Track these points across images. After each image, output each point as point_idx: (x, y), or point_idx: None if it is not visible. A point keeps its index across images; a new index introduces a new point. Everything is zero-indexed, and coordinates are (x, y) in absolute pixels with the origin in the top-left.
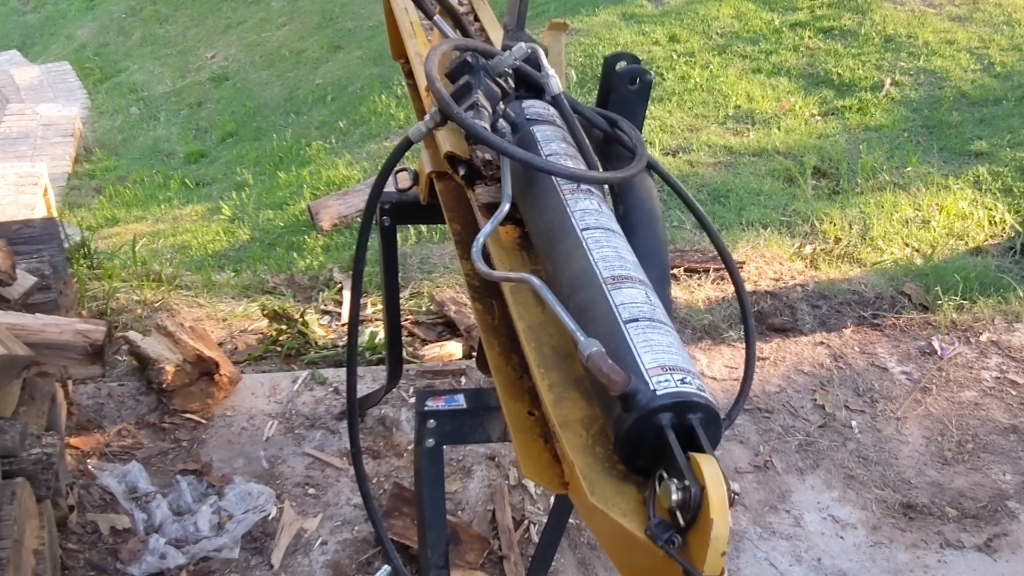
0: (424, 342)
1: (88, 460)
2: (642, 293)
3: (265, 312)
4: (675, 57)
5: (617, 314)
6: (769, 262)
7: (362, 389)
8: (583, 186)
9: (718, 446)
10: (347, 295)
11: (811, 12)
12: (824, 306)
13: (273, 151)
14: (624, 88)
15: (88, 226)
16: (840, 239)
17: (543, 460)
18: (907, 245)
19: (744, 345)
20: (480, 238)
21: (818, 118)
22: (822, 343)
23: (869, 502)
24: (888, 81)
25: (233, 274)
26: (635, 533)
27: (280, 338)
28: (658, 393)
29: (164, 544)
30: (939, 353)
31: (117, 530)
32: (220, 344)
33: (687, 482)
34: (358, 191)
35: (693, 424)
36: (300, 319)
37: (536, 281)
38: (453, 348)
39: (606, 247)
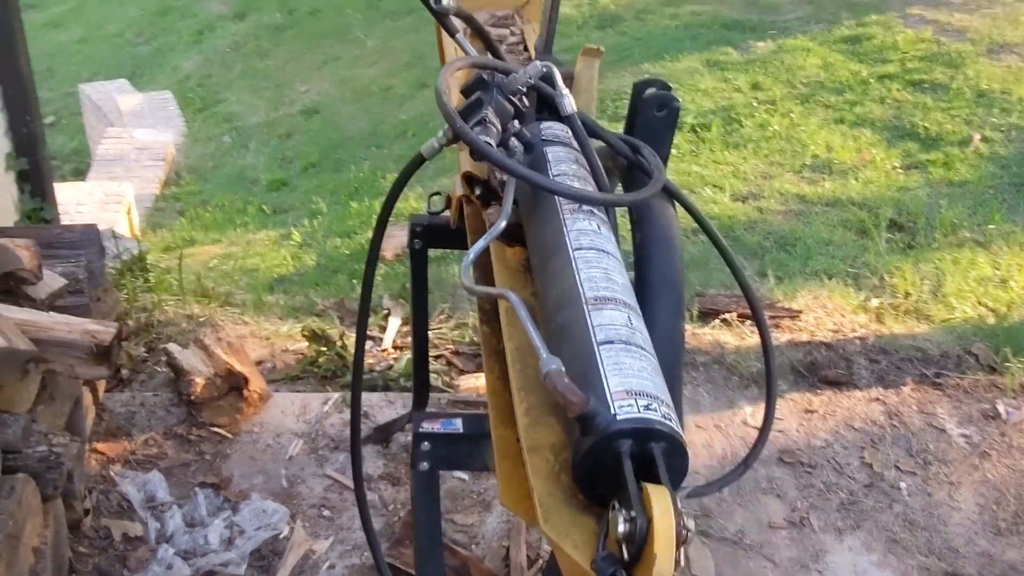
0: (461, 372)
1: (112, 466)
2: (623, 316)
3: (304, 332)
4: (755, 104)
5: (592, 335)
6: (830, 313)
7: (391, 415)
8: (584, 207)
9: (683, 480)
10: (392, 321)
11: (902, 65)
12: (884, 361)
13: (350, 182)
14: (650, 114)
15: (166, 246)
16: (910, 294)
17: (523, 489)
18: (980, 304)
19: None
20: (471, 254)
21: (900, 171)
22: (877, 399)
23: (911, 569)
24: (977, 136)
25: (284, 295)
26: (582, 565)
27: (319, 359)
28: (618, 418)
29: (172, 555)
30: (1004, 417)
31: (129, 537)
32: (260, 362)
33: (634, 513)
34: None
35: (654, 454)
36: (339, 341)
37: (513, 297)
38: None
39: (595, 268)
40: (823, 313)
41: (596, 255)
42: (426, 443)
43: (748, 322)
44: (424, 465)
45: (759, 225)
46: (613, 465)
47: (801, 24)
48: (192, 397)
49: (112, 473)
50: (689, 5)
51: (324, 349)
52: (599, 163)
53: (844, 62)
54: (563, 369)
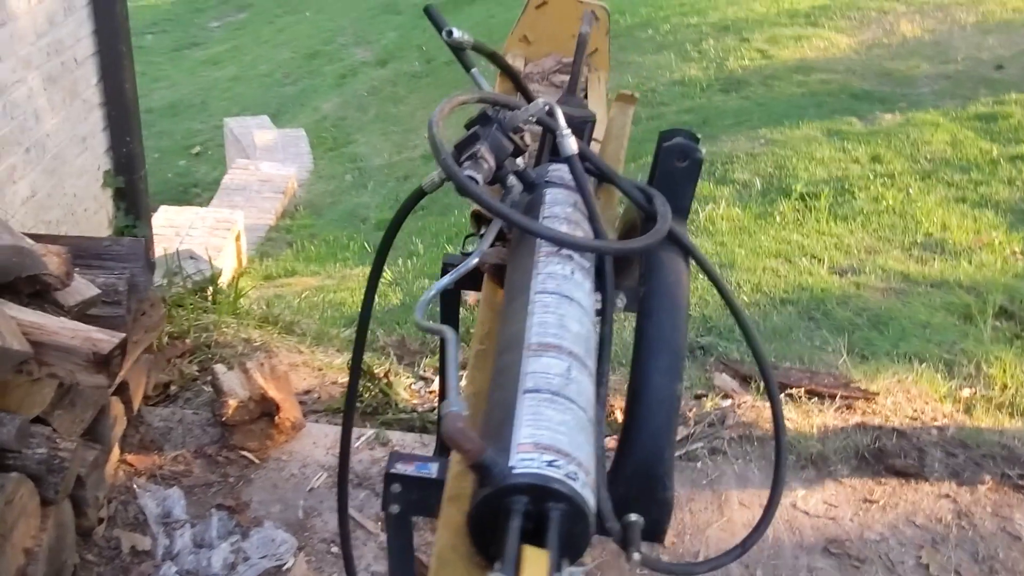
0: None
1: (137, 479)
2: (562, 365)
3: (349, 366)
4: (872, 177)
5: (521, 381)
6: (912, 399)
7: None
8: (563, 251)
9: (583, 549)
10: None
11: None
12: (962, 456)
13: (451, 226)
14: (670, 164)
15: (267, 274)
16: (1007, 387)
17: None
18: None
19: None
20: (430, 291)
21: (1019, 256)
22: (947, 496)
23: None
24: None
25: (345, 329)
26: None
27: (364, 395)
28: (515, 471)
29: (175, 573)
30: None
31: (137, 551)
32: (307, 391)
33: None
34: None
35: (550, 515)
36: (384, 379)
37: (449, 335)
38: None
39: (551, 313)
40: (904, 398)
41: (556, 300)
42: (397, 485)
43: (816, 399)
44: (395, 508)
45: (853, 301)
46: (505, 522)
47: (934, 98)
48: (223, 418)
49: (135, 485)
50: (819, 73)
51: (368, 385)
52: (597, 208)
53: (975, 140)
54: (462, 414)
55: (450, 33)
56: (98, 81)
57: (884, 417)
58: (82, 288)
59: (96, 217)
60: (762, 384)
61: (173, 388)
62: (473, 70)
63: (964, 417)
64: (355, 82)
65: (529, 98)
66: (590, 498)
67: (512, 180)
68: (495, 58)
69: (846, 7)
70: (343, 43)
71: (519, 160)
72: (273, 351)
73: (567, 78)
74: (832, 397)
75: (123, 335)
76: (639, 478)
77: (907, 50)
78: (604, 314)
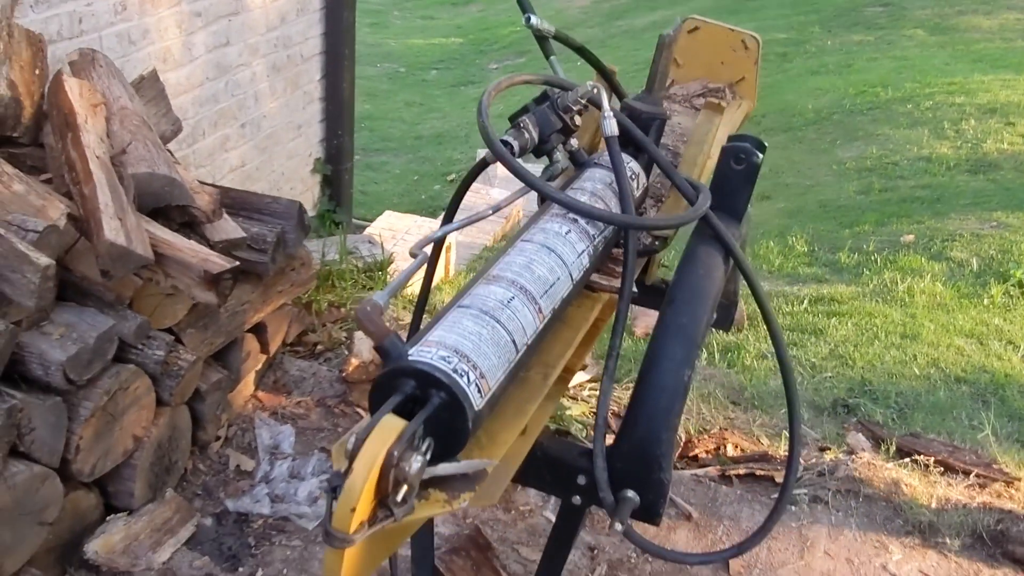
0: None
1: (260, 413)
2: (506, 295)
3: None
4: None
5: (462, 298)
6: None
7: None
8: (569, 215)
9: (462, 441)
10: (579, 375)
11: None
12: None
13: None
14: (727, 166)
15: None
16: None
17: None
18: None
19: None
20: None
21: None
22: None
23: None
24: None
25: None
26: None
27: None
28: (409, 357)
29: (264, 494)
30: None
31: (241, 470)
32: None
33: (359, 435)
34: None
35: (432, 400)
36: None
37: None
38: None
39: (523, 255)
40: None
41: (535, 248)
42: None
43: (948, 473)
44: None
45: None
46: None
47: None
48: (344, 375)
49: (257, 418)
50: None
51: None
52: (629, 187)
53: None
54: (380, 305)
55: (528, 19)
56: (321, 78)
57: (1021, 504)
58: (229, 229)
59: (302, 197)
60: (892, 448)
61: (320, 347)
62: (552, 57)
63: None
64: None
65: (617, 91)
66: (474, 396)
67: (558, 155)
68: (582, 51)
69: None
70: None
71: (573, 141)
72: None
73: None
74: (967, 474)
75: (235, 262)
76: (636, 457)
77: None
78: (622, 290)
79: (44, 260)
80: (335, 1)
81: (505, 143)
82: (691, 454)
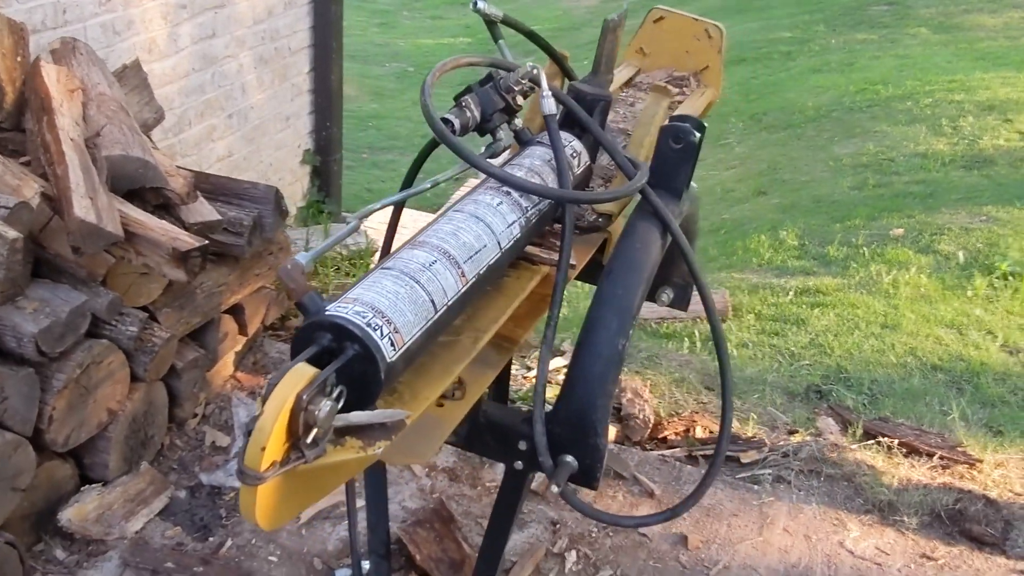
0: None
1: (238, 392)
2: (427, 257)
3: None
4: None
5: (385, 261)
6: None
7: None
8: (503, 188)
9: (376, 391)
10: (557, 360)
11: None
12: None
13: None
14: (666, 145)
15: None
16: None
17: None
18: None
19: None
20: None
21: None
22: (1021, 573)
23: None
24: None
25: None
26: None
27: None
28: (325, 312)
29: (236, 469)
30: None
31: (216, 446)
32: None
33: (271, 381)
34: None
35: (346, 351)
36: None
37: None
38: None
39: (450, 224)
40: (1017, 473)
41: (465, 217)
42: None
43: (913, 456)
44: None
45: (1013, 379)
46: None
47: None
48: None
49: (234, 397)
50: None
51: None
52: (567, 164)
53: None
54: (303, 265)
55: (475, 4)
56: (310, 70)
57: (982, 485)
58: (205, 211)
59: (291, 188)
60: (859, 431)
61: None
62: (500, 41)
63: None
64: None
65: (569, 75)
66: (386, 349)
67: (501, 133)
68: (532, 35)
69: None
70: None
71: (518, 121)
72: None
73: (674, 89)
74: (931, 456)
75: (204, 240)
76: (573, 423)
77: None
78: (559, 263)
79: (12, 233)
80: None
81: (446, 121)
82: (660, 436)
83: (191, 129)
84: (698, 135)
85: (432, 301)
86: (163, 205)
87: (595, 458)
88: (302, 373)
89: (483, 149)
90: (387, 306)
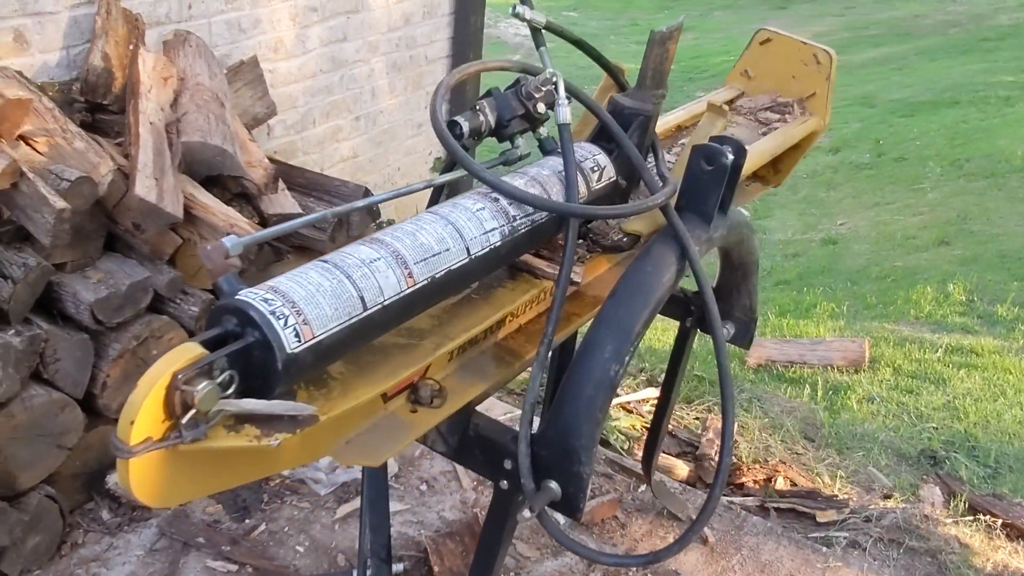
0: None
1: None
2: (371, 255)
3: None
4: None
5: (329, 255)
6: None
7: None
8: (492, 195)
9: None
10: (646, 391)
11: None
12: None
13: (799, 305)
14: (696, 166)
15: None
16: None
17: None
18: None
19: None
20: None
21: None
22: None
23: None
24: None
25: None
26: None
27: None
28: (235, 296)
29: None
30: None
31: None
32: None
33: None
34: (802, 344)
35: (245, 337)
36: None
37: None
38: (675, 464)
39: (414, 224)
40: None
41: (433, 219)
42: None
43: (1017, 541)
44: None
45: None
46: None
47: None
48: None
49: None
50: None
51: None
52: (575, 176)
53: None
54: (226, 246)
55: (514, 8)
56: None
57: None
58: (286, 204)
59: (420, 194)
60: (963, 504)
61: None
62: (542, 48)
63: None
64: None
65: (623, 88)
66: (288, 340)
67: (520, 140)
68: (580, 43)
69: None
70: None
71: (542, 129)
72: None
73: (774, 115)
74: None
75: (261, 229)
76: (557, 447)
77: None
78: (559, 279)
79: (60, 203)
80: (464, 6)
81: (455, 123)
82: (737, 481)
83: (315, 128)
84: (730, 157)
85: (362, 298)
86: (243, 194)
87: (578, 487)
88: (185, 352)
89: (497, 155)
90: (302, 297)
